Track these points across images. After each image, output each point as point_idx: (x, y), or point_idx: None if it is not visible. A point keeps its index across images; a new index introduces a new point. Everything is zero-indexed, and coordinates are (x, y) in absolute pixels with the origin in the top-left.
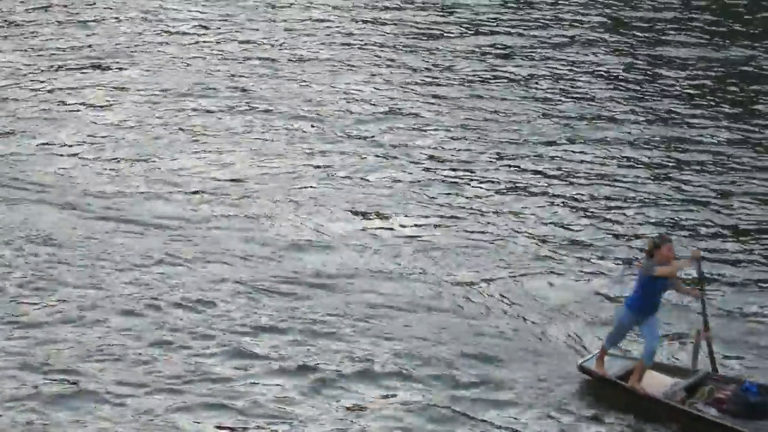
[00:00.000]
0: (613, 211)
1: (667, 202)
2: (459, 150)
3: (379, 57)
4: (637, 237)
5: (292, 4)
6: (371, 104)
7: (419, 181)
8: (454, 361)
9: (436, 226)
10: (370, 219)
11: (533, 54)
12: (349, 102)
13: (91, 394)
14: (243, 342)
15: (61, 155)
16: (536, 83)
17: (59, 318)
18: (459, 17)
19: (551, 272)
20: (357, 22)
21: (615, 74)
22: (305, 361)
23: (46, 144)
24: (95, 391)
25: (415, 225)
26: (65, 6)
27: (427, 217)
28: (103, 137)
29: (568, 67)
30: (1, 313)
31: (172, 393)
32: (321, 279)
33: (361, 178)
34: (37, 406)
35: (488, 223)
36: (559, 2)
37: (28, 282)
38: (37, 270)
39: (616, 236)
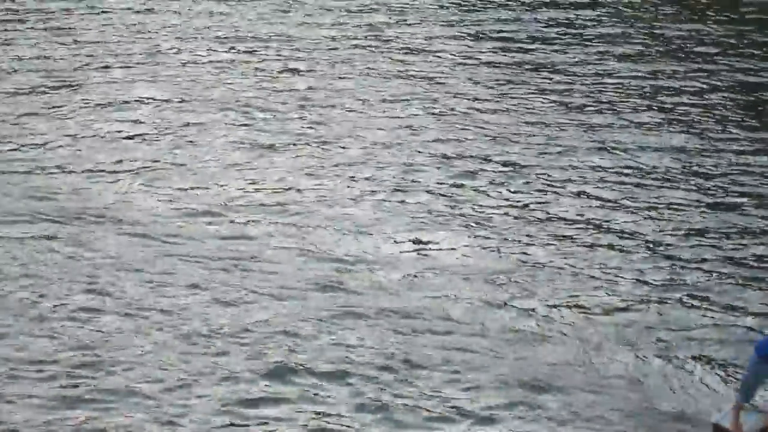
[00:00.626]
0: (643, 221)
1: (700, 209)
2: (498, 169)
3: (414, 75)
4: (667, 246)
5: (327, 24)
6: (410, 121)
7: (459, 198)
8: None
9: (481, 247)
10: (415, 237)
11: (564, 68)
12: (388, 119)
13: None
14: (280, 352)
15: (108, 173)
16: (569, 96)
17: (107, 329)
18: (488, 34)
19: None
20: (391, 41)
21: (643, 87)
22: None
23: (91, 166)
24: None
25: (461, 245)
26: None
27: (467, 235)
28: (145, 158)
29: (599, 80)
30: (57, 324)
31: (196, 396)
32: (364, 298)
33: (396, 195)
34: (56, 405)
35: (523, 242)
36: (585, 20)
37: (84, 297)
38: (95, 288)
39: (648, 245)
